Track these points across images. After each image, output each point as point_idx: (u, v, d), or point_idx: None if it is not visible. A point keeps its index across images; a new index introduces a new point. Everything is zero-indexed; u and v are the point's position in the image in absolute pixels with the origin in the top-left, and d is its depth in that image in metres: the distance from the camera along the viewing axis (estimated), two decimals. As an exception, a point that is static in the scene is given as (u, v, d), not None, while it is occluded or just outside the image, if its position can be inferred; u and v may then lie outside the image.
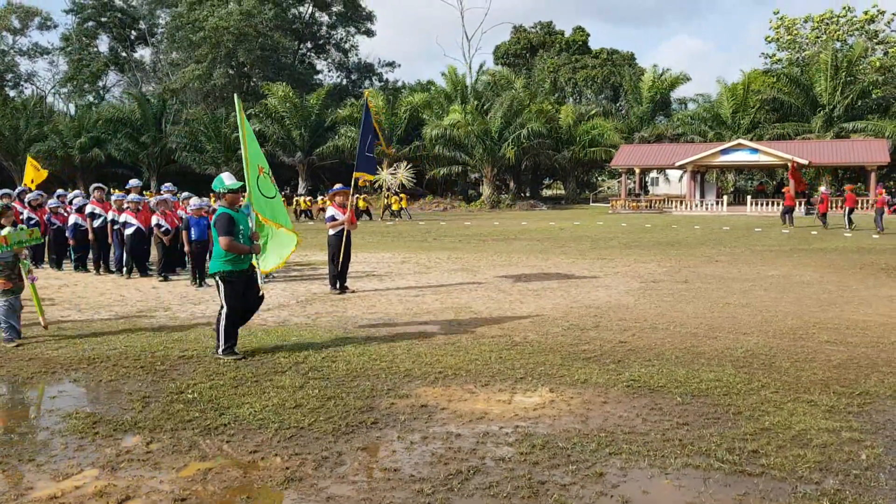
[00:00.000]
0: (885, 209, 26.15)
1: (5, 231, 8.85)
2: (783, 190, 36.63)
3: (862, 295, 12.03)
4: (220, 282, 8.05)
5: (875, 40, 60.16)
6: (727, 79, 54.21)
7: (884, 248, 20.21)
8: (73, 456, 5.24)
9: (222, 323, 7.97)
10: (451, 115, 49.54)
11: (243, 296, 8.16)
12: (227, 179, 8.20)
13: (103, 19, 76.08)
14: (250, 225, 8.35)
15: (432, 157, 52.28)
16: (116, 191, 17.71)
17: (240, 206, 8.31)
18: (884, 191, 28.46)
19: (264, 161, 9.14)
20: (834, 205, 36.37)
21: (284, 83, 55.30)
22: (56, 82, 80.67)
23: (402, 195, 42.62)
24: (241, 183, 8.31)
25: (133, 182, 16.81)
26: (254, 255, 8.31)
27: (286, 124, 54.80)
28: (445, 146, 50.79)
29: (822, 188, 34.40)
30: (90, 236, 15.90)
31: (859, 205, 32.44)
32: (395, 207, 41.23)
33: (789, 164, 39.15)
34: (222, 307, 8.02)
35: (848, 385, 6.76)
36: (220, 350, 7.98)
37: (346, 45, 72.49)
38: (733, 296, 12.09)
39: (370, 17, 70.94)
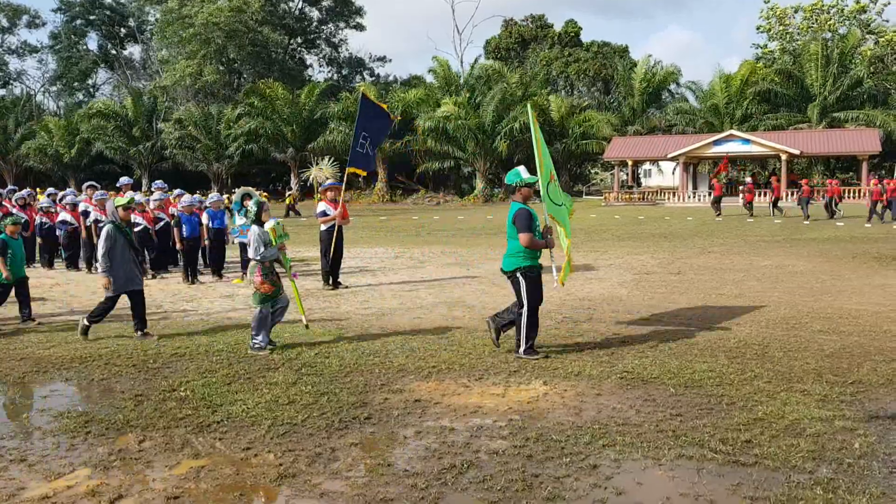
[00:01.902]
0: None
1: (270, 224, 8.07)
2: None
3: (854, 284, 12.06)
4: (521, 279, 7.58)
5: (866, 30, 60.23)
6: (718, 70, 53.87)
7: (876, 238, 20.27)
8: (65, 455, 5.21)
9: (524, 322, 7.55)
10: (443, 107, 49.44)
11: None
12: (523, 173, 7.70)
13: (92, 17, 75.72)
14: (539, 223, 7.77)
15: (424, 151, 52.19)
16: (113, 194, 17.63)
17: (533, 200, 7.81)
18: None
19: (553, 168, 8.54)
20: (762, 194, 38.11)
21: (279, 82, 55.10)
22: (45, 81, 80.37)
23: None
24: (536, 178, 7.82)
25: (124, 180, 16.73)
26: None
27: (277, 120, 54.63)
28: (438, 140, 50.72)
29: (749, 179, 35.21)
30: (83, 234, 15.81)
31: (815, 194, 32.83)
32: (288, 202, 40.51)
33: (722, 158, 40.44)
34: (522, 306, 7.57)
35: (841, 374, 6.78)
36: (521, 350, 7.58)
37: (336, 40, 72.29)
38: (726, 286, 12.11)
39: (360, 11, 70.75)
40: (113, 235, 8.69)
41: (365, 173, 13.98)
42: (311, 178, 43.08)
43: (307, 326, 8.74)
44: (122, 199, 9.02)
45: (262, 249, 8.00)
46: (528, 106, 9.46)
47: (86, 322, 8.93)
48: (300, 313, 8.85)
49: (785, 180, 41.75)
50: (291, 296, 8.73)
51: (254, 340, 8.06)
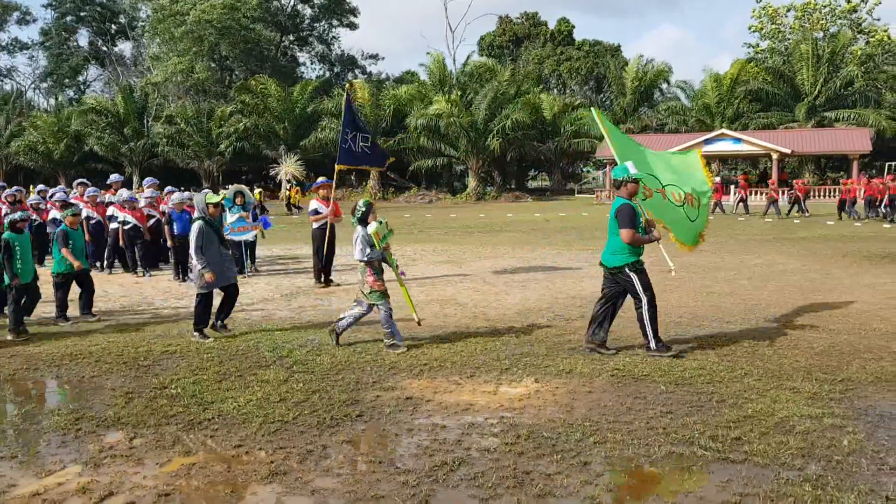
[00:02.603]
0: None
1: (373, 227, 7.91)
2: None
3: (844, 283, 12.12)
4: (632, 274, 7.44)
5: (857, 29, 60.48)
6: (710, 69, 54.03)
7: (866, 237, 20.37)
8: (55, 452, 5.20)
9: (646, 316, 7.42)
10: (435, 105, 49.37)
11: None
12: (631, 168, 7.56)
13: (83, 13, 75.29)
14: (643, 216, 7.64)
15: (417, 149, 52.15)
16: (104, 192, 17.50)
17: (643, 196, 7.69)
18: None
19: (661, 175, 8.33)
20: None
21: (273, 79, 54.93)
22: (36, 77, 79.91)
23: (294, 188, 42.36)
24: (643, 174, 7.70)
25: (114, 177, 16.67)
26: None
27: (269, 117, 54.48)
28: (430, 138, 50.66)
29: (717, 178, 36.08)
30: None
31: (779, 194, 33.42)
32: (293, 201, 40.49)
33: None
34: (641, 299, 7.42)
35: (830, 372, 6.81)
36: (652, 346, 7.44)
37: (329, 38, 72.13)
38: (717, 284, 12.15)
39: (353, 10, 70.63)
40: (205, 231, 8.57)
41: (381, 169, 13.96)
42: (278, 176, 43.09)
43: (419, 323, 8.45)
44: (213, 196, 8.90)
45: (368, 251, 7.88)
46: (593, 111, 9.22)
47: (196, 335, 8.64)
48: (410, 311, 8.44)
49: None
50: (401, 294, 8.51)
51: (392, 341, 7.90)
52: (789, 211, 29.97)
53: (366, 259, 7.93)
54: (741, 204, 32.78)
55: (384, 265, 8.17)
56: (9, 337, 8.82)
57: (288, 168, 44.66)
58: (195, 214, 8.85)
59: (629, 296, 7.57)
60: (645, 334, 7.51)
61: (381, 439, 5.41)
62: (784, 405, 5.87)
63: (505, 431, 5.44)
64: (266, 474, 4.75)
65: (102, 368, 7.41)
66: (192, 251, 8.62)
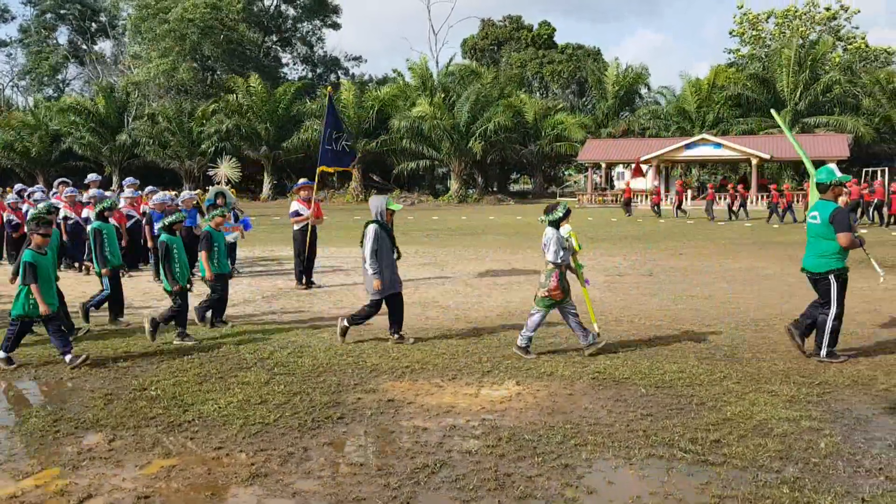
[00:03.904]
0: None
1: (567, 229, 7.70)
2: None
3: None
4: (834, 281, 7.28)
5: (836, 37, 61.19)
6: (690, 73, 54.58)
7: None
8: (33, 454, 5.15)
9: (830, 325, 7.30)
10: (418, 107, 49.39)
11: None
12: (837, 171, 7.35)
13: (63, 11, 74.62)
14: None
15: (400, 151, 52.13)
16: (83, 191, 17.35)
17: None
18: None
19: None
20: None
21: (256, 74, 54.66)
22: (14, 75, 79.07)
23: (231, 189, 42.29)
24: (850, 177, 7.53)
25: (92, 177, 16.54)
26: None
27: (252, 118, 54.22)
28: (413, 140, 50.68)
29: (656, 183, 37.07)
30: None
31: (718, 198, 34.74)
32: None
33: (634, 162, 42.42)
34: (830, 308, 7.29)
35: (808, 375, 6.89)
36: (823, 353, 7.34)
37: (312, 39, 71.93)
38: (697, 288, 12.24)
39: (336, 10, 70.49)
40: (380, 236, 8.24)
41: (351, 169, 14.00)
42: (216, 178, 42.80)
43: (598, 335, 7.99)
44: (395, 203, 8.57)
45: (562, 253, 7.66)
46: (773, 112, 9.02)
47: (346, 323, 8.39)
48: (591, 321, 8.09)
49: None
50: (583, 301, 8.25)
51: (524, 340, 7.74)
52: (769, 218, 30.16)
53: (559, 262, 7.67)
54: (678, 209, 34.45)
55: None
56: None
57: (225, 170, 44.36)
58: (371, 217, 8.40)
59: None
60: (819, 342, 7.40)
61: (362, 441, 5.40)
62: (762, 408, 5.92)
63: (486, 434, 5.46)
64: (247, 476, 4.73)
65: (81, 370, 7.33)
66: (365, 254, 8.22)
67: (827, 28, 62.37)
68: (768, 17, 64.92)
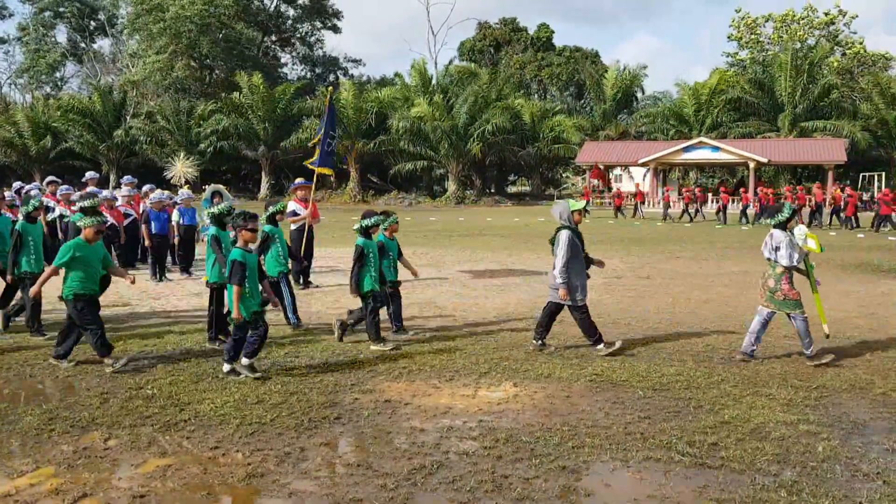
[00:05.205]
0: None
1: (802, 230, 7.50)
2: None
3: (820, 291, 12.23)
4: None
5: (833, 41, 61.29)
6: (688, 77, 54.81)
7: (840, 246, 20.62)
8: (29, 453, 5.13)
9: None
10: (417, 108, 49.37)
11: None
12: None
13: (61, 9, 74.49)
14: None
15: (398, 151, 52.10)
16: (79, 188, 17.34)
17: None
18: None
19: None
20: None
21: (257, 72, 54.60)
22: (12, 73, 78.89)
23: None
24: None
25: (89, 175, 16.49)
26: None
27: (250, 117, 54.16)
28: (411, 141, 50.65)
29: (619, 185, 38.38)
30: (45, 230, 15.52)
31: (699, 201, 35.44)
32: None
33: (593, 166, 43.82)
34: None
35: (805, 379, 6.89)
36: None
37: (312, 39, 71.87)
38: (694, 291, 12.24)
39: (337, 13, 70.48)
40: (574, 243, 7.83)
41: (332, 172, 13.97)
42: (173, 175, 42.65)
43: (827, 336, 7.86)
44: (577, 203, 8.06)
45: (796, 255, 7.54)
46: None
47: (602, 347, 7.94)
48: (821, 322, 7.88)
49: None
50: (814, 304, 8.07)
51: (809, 351, 7.51)
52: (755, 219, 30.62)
53: (795, 264, 7.56)
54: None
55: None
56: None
57: (181, 167, 44.24)
58: (560, 224, 7.97)
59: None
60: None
61: (359, 442, 5.39)
62: (760, 411, 5.92)
63: (483, 435, 5.44)
64: (243, 476, 4.71)
65: (77, 369, 7.31)
66: (557, 263, 7.80)
67: (825, 33, 62.46)
68: (766, 21, 65.00)
